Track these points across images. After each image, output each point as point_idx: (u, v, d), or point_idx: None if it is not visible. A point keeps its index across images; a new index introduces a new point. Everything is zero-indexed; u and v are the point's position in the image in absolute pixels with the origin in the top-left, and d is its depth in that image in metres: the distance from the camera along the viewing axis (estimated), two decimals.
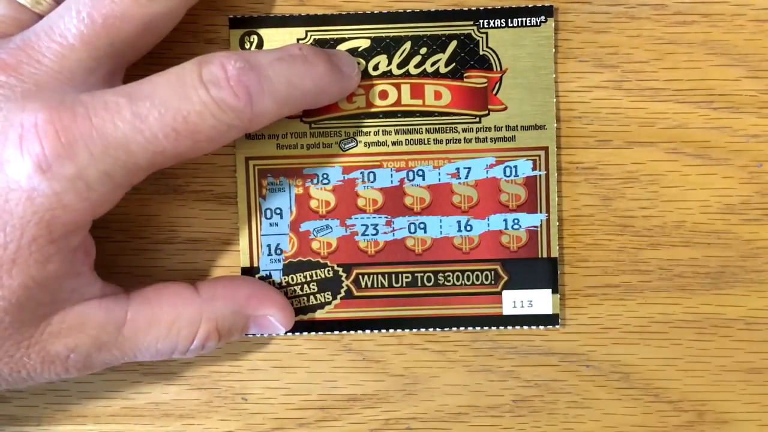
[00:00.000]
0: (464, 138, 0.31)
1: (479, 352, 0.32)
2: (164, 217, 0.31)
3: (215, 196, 0.31)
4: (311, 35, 0.30)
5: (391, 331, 0.32)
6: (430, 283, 0.31)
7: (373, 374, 0.32)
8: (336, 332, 0.32)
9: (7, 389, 0.28)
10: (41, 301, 0.26)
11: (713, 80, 0.31)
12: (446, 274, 0.31)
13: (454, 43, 0.31)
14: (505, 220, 0.31)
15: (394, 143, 0.31)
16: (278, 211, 0.31)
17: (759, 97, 0.31)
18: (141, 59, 0.29)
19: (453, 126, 0.31)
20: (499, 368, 0.32)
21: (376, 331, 0.32)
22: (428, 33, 0.31)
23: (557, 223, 0.31)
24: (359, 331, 0.32)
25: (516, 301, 0.31)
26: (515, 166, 0.31)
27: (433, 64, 0.31)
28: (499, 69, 0.31)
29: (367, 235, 0.31)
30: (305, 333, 0.32)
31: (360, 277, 0.31)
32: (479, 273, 0.31)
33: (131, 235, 0.31)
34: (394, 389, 0.32)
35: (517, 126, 0.31)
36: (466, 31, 0.30)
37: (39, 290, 0.26)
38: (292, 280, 0.31)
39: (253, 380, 0.32)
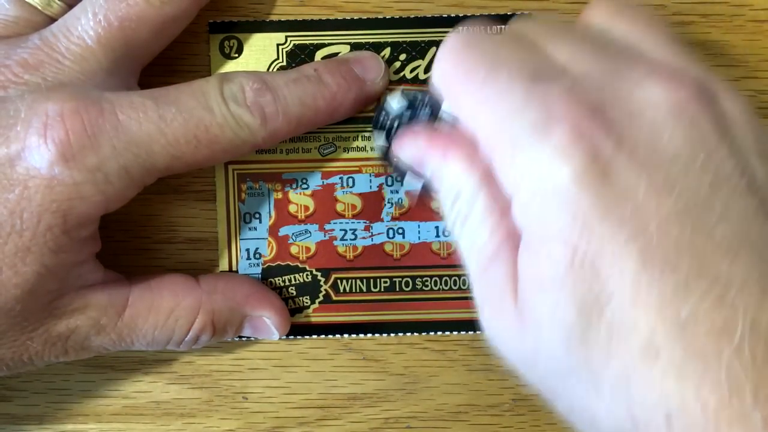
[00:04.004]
0: None
1: (479, 351, 0.32)
2: (165, 217, 0.32)
3: (216, 196, 0.31)
4: (291, 40, 0.31)
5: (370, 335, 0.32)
6: (408, 288, 0.32)
7: (373, 373, 0.32)
8: (315, 336, 0.32)
9: (6, 375, 0.28)
10: (50, 289, 0.27)
11: None
12: (424, 279, 0.31)
13: (433, 50, 0.31)
14: None
15: (373, 149, 0.31)
16: (257, 216, 0.31)
17: (759, 97, 0.31)
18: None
19: None
20: (499, 367, 0.32)
21: (354, 336, 0.32)
22: (408, 39, 0.31)
23: None
24: (337, 336, 0.32)
25: None
26: None
27: (412, 71, 0.31)
28: None
29: (346, 240, 0.31)
30: (283, 338, 0.32)
31: (338, 281, 0.31)
32: (457, 278, 0.31)
33: (132, 235, 0.32)
34: (394, 388, 0.32)
35: None
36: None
37: (50, 278, 0.26)
38: (271, 285, 0.31)
39: (253, 379, 0.32)
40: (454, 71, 0.24)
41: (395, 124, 0.28)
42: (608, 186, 0.21)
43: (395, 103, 0.28)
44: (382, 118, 0.28)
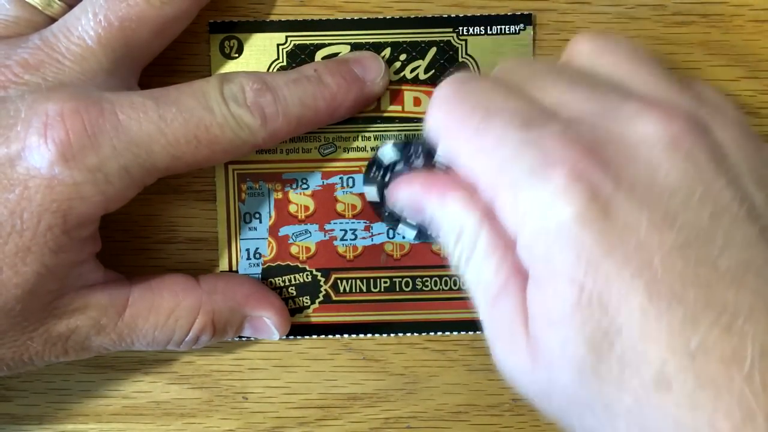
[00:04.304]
0: None
1: (479, 351, 0.32)
2: (165, 217, 0.32)
3: (216, 196, 0.31)
4: (291, 40, 0.31)
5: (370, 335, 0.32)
6: (408, 288, 0.32)
7: (374, 373, 0.32)
8: (315, 336, 0.32)
9: (6, 375, 0.28)
10: (51, 289, 0.27)
11: (712, 80, 0.31)
12: (424, 280, 0.31)
13: (433, 50, 0.31)
14: None
15: (373, 149, 0.31)
16: (257, 216, 0.31)
17: (758, 97, 0.31)
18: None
19: None
20: None
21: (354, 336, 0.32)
22: (408, 39, 0.31)
23: None
24: (337, 336, 0.32)
25: None
26: None
27: (412, 71, 0.31)
28: None
29: (346, 240, 0.31)
30: (283, 338, 0.32)
31: (338, 281, 0.32)
32: (457, 278, 0.31)
33: (132, 235, 0.32)
34: (394, 388, 0.32)
35: None
36: (445, 38, 0.31)
37: (50, 278, 0.26)
38: (271, 285, 0.32)
39: (253, 379, 0.32)
40: (448, 120, 0.24)
41: (387, 176, 0.29)
42: (610, 223, 0.21)
43: (387, 154, 0.28)
44: (373, 172, 0.29)
